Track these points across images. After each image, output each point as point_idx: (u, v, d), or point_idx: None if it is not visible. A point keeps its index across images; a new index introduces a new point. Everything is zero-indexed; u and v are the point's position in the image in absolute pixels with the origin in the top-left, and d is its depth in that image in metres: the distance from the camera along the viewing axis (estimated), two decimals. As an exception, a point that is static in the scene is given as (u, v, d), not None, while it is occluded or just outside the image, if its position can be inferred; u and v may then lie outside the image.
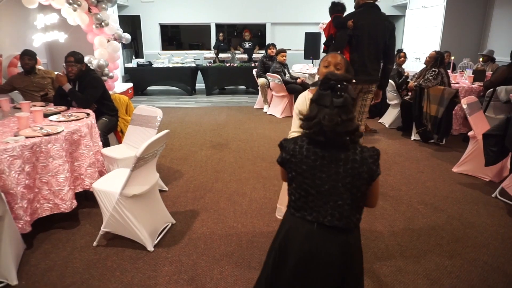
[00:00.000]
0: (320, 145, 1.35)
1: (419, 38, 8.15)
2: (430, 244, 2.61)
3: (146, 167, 2.48)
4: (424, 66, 5.11)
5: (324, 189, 1.35)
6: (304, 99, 2.15)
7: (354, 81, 3.28)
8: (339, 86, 1.30)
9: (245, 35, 9.62)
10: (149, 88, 9.34)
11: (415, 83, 4.96)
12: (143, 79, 8.50)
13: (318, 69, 2.11)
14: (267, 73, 6.62)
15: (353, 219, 1.38)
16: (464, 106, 3.75)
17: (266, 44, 7.42)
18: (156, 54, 9.48)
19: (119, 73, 7.50)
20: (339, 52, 2.00)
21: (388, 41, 3.24)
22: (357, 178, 1.33)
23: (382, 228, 2.81)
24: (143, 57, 9.89)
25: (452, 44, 7.23)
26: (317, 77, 2.23)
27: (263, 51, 8.77)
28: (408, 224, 2.88)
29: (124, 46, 9.76)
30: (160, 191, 3.23)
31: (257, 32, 11.78)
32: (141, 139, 3.21)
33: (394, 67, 5.65)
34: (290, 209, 1.44)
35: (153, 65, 8.59)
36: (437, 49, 7.16)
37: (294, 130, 2.11)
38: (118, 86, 6.98)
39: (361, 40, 3.21)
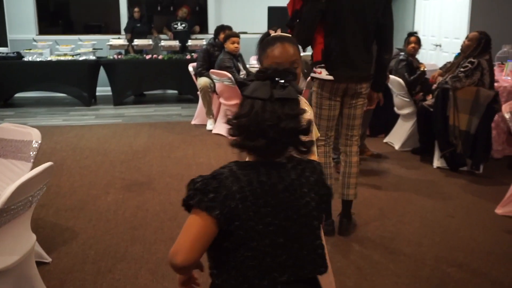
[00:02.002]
0: (264, 168, 1.48)
1: (438, 14, 8.65)
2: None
3: (14, 225, 2.41)
4: (459, 55, 5.31)
5: (294, 230, 1.48)
6: None
7: (331, 78, 3.41)
8: (280, 78, 1.50)
9: (181, 12, 9.72)
10: (18, 95, 9.15)
11: (443, 80, 5.13)
12: (7, 81, 8.32)
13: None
14: (211, 70, 6.70)
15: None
16: (507, 116, 3.98)
17: (217, 26, 7.44)
18: (29, 40, 9.30)
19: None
20: (293, 35, 2.11)
21: (381, 19, 3.41)
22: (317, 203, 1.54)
23: (396, 305, 2.86)
24: (7, 46, 9.67)
25: (486, 24, 7.68)
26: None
27: (207, 36, 8.87)
28: (435, 297, 2.95)
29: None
30: (39, 263, 3.11)
31: (194, 7, 11.97)
32: (5, 179, 3.12)
33: (404, 57, 5.92)
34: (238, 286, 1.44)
35: (25, 59, 8.41)
36: (465, 31, 7.60)
37: None
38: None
39: (340, 17, 3.36)
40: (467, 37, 5.17)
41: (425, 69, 5.87)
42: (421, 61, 6.31)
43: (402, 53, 6.07)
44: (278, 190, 1.45)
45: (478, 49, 4.97)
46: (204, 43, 8.66)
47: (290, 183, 1.47)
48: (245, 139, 1.46)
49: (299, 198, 1.48)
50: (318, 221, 1.53)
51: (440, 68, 5.62)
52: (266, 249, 1.43)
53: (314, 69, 3.47)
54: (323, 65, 3.43)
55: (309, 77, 5.38)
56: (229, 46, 6.60)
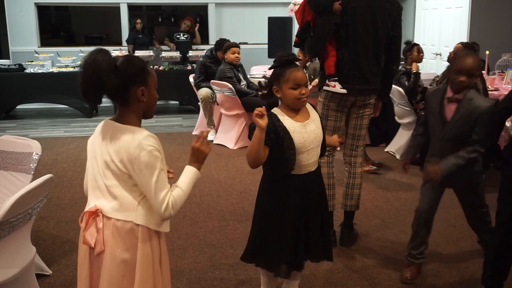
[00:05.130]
0: None
1: (438, 24, 8.68)
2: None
3: (13, 237, 2.41)
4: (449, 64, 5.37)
5: None
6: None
7: (345, 91, 3.40)
8: None
9: (184, 25, 9.74)
10: (19, 107, 9.16)
11: None
12: (9, 93, 8.35)
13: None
14: (212, 81, 6.70)
15: None
16: (508, 124, 3.98)
17: (217, 41, 7.32)
18: (31, 52, 9.35)
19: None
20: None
21: (392, 31, 3.42)
22: None
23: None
24: (8, 58, 9.72)
25: (485, 33, 7.72)
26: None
27: (208, 47, 8.88)
28: (438, 307, 2.93)
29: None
30: (39, 276, 3.10)
31: (196, 17, 12.02)
32: (5, 191, 3.11)
33: (402, 67, 5.90)
34: None
35: (27, 70, 8.45)
36: (464, 39, 7.62)
37: None
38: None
39: (354, 31, 3.36)
40: (454, 49, 5.22)
41: (419, 70, 5.83)
42: (421, 70, 6.30)
43: (402, 63, 6.06)
44: None
45: None
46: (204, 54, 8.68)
47: None
48: None
49: None
50: None
51: (430, 85, 5.62)
52: None
53: (327, 82, 3.45)
54: (336, 78, 3.43)
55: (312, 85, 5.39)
56: (229, 56, 6.59)
